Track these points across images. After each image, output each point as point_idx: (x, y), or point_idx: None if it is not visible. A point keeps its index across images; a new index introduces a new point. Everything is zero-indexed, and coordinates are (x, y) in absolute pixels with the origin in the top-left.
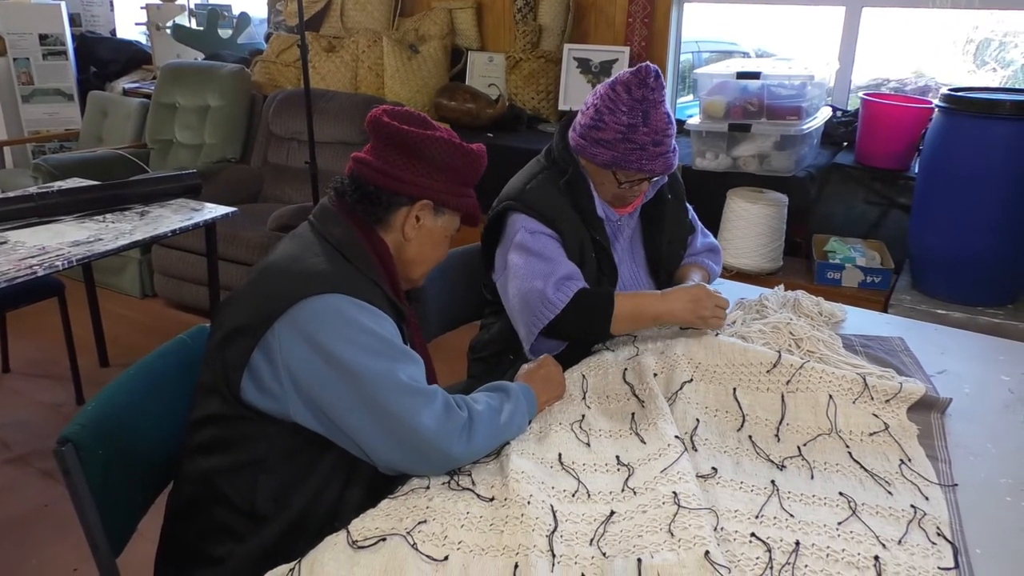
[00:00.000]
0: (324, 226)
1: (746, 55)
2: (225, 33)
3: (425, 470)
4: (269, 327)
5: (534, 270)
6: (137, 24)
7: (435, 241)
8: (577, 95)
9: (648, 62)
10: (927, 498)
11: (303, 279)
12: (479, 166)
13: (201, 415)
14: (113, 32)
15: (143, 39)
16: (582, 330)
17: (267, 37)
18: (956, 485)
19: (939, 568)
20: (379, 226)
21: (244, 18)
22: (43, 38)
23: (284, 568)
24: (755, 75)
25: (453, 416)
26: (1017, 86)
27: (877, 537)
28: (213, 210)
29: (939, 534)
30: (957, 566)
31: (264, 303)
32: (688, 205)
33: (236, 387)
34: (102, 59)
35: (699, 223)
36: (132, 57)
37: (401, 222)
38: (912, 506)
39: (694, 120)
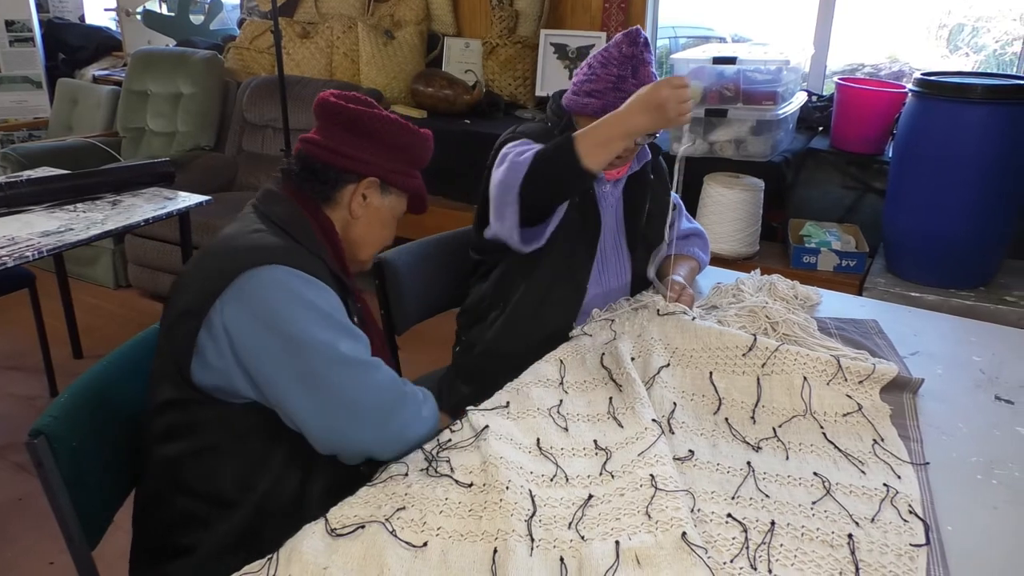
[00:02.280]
0: (266, 206)
1: (722, 40)
2: (197, 19)
3: (368, 440)
4: (212, 304)
5: (503, 163)
6: (106, 10)
7: (382, 221)
8: (554, 81)
9: (638, 27)
10: (899, 477)
11: (244, 253)
12: (426, 148)
13: (157, 402)
14: (82, 18)
15: (113, 25)
16: (557, 175)
17: (240, 23)
18: (928, 464)
19: (911, 545)
20: (326, 204)
21: (216, 4)
22: (9, 24)
23: (261, 561)
24: (731, 60)
25: (399, 387)
26: (989, 70)
27: (851, 516)
28: (187, 199)
29: (911, 512)
30: (928, 543)
31: (206, 282)
32: (673, 193)
33: (187, 371)
34: (71, 46)
35: (683, 208)
36: (102, 43)
37: (348, 199)
38: (885, 485)
39: None
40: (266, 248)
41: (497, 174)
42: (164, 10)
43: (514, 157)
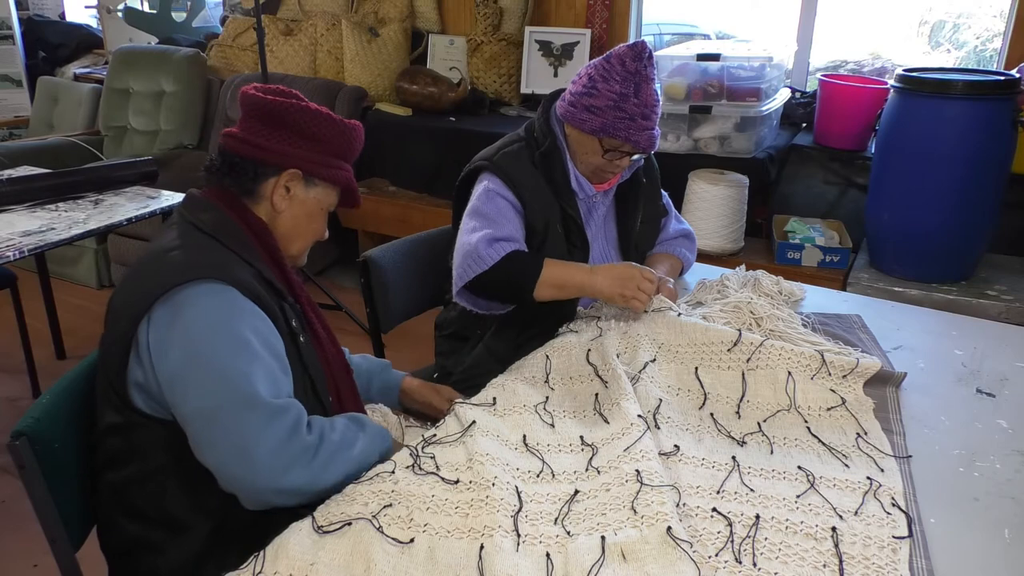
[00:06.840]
0: (193, 214)
1: (706, 37)
2: (179, 16)
3: (261, 489)
4: (138, 327)
5: (476, 227)
6: (87, 7)
7: (310, 214)
8: (539, 78)
9: (644, 39)
10: (882, 470)
11: (168, 272)
12: (351, 138)
13: (101, 427)
14: (62, 15)
15: (94, 23)
16: (507, 288)
17: (223, 20)
18: (910, 457)
19: (894, 537)
20: (250, 199)
21: (198, 1)
22: None
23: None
24: (715, 57)
25: (299, 442)
26: (970, 67)
27: (834, 509)
28: (170, 197)
29: (894, 504)
30: (911, 535)
31: (132, 305)
32: (663, 191)
33: (125, 395)
34: (51, 43)
35: (673, 209)
36: (82, 41)
37: (270, 192)
38: (868, 478)
39: None
40: (191, 265)
41: (464, 242)
42: (146, 7)
43: (484, 245)
